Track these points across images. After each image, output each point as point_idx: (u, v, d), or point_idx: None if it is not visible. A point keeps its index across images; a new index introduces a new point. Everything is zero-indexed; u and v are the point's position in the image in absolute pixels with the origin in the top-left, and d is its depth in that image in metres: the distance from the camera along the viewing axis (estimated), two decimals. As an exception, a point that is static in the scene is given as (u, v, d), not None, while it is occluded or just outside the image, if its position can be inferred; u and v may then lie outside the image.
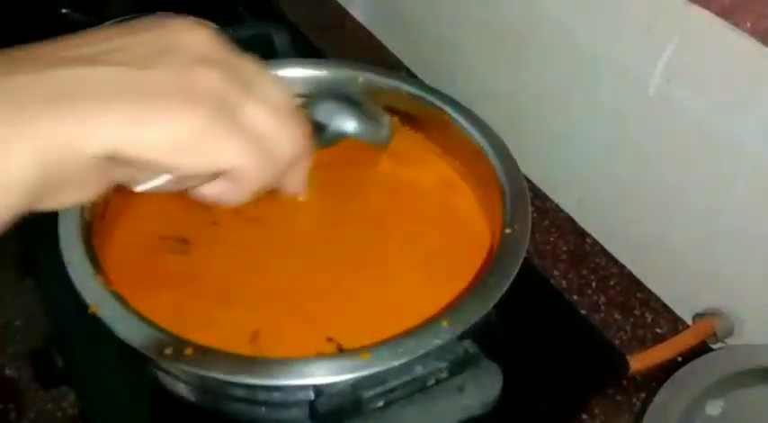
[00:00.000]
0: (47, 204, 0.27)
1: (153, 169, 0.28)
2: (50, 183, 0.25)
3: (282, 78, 0.31)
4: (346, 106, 0.50)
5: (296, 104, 0.32)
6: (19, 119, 0.24)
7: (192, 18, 0.30)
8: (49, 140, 0.24)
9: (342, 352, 0.41)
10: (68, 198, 0.27)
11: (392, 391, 0.37)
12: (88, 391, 0.46)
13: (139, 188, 0.30)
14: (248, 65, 0.30)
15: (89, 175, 0.26)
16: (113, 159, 0.26)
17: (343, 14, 0.83)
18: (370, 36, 0.80)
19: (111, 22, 0.55)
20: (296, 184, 0.34)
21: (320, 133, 0.48)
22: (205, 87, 0.28)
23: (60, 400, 0.48)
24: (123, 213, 0.49)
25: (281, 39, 0.57)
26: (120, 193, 0.47)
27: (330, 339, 0.42)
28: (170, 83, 0.27)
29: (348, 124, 0.49)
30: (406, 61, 0.76)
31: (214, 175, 0.29)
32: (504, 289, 0.40)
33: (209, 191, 0.31)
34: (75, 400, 0.48)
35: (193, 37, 0.29)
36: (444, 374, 0.38)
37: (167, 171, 0.28)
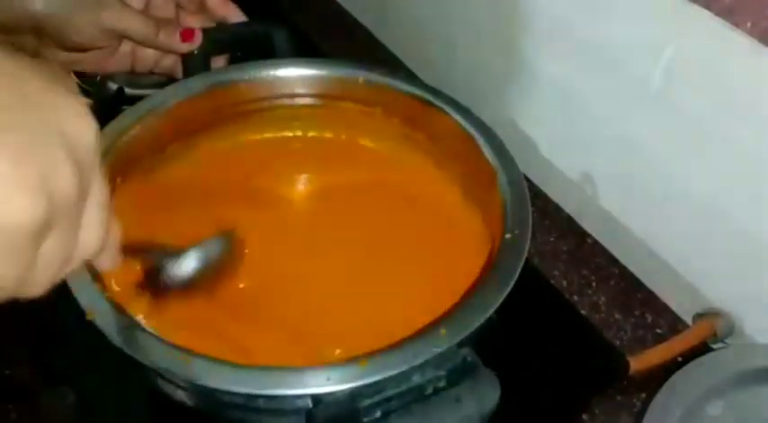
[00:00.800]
0: None
1: None
2: None
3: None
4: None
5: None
6: None
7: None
8: None
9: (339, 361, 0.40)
10: None
11: (390, 399, 0.37)
12: (88, 391, 0.46)
13: None
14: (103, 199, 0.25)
15: None
16: None
17: (344, 14, 0.83)
18: (370, 36, 0.80)
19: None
20: None
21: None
22: (36, 167, 0.22)
23: (60, 400, 0.48)
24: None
25: (280, 39, 0.57)
26: (121, 196, 0.48)
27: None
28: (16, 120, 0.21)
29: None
30: (406, 61, 0.76)
31: None
32: (503, 297, 0.39)
33: None
34: (75, 400, 0.48)
35: (82, 124, 0.23)
36: (442, 383, 0.38)
37: None
